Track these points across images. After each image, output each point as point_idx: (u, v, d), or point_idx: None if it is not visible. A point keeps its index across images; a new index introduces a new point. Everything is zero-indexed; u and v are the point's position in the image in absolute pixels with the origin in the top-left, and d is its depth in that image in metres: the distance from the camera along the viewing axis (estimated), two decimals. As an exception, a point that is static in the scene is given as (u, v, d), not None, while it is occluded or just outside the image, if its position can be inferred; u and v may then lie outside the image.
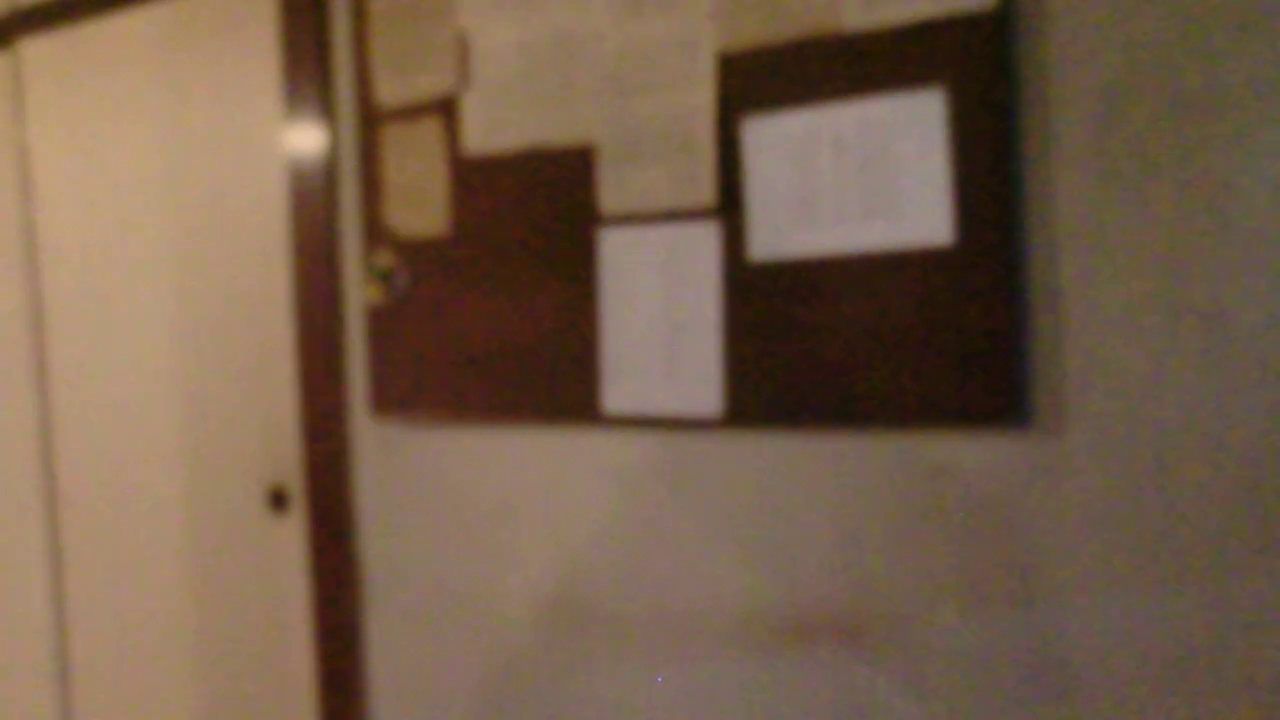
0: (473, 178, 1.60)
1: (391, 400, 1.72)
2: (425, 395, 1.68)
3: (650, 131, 1.43)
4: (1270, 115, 1.09)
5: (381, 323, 1.73)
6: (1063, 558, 1.21)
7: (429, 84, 1.63)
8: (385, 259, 1.71)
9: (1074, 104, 1.18)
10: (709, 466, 1.44)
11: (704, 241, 1.39)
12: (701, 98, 1.38)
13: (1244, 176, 1.10)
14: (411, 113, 1.66)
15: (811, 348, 1.32)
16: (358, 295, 1.79)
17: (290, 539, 1.95)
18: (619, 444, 1.51)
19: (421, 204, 1.66)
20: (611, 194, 1.47)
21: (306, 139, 1.81)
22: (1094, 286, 1.17)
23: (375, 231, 1.72)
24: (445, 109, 1.62)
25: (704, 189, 1.39)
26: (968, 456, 1.26)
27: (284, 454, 1.95)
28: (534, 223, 1.55)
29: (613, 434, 1.52)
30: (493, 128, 1.57)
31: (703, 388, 1.40)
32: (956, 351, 1.23)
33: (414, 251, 1.68)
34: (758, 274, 1.36)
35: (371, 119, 1.71)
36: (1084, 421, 1.19)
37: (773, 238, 1.34)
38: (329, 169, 1.79)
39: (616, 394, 1.48)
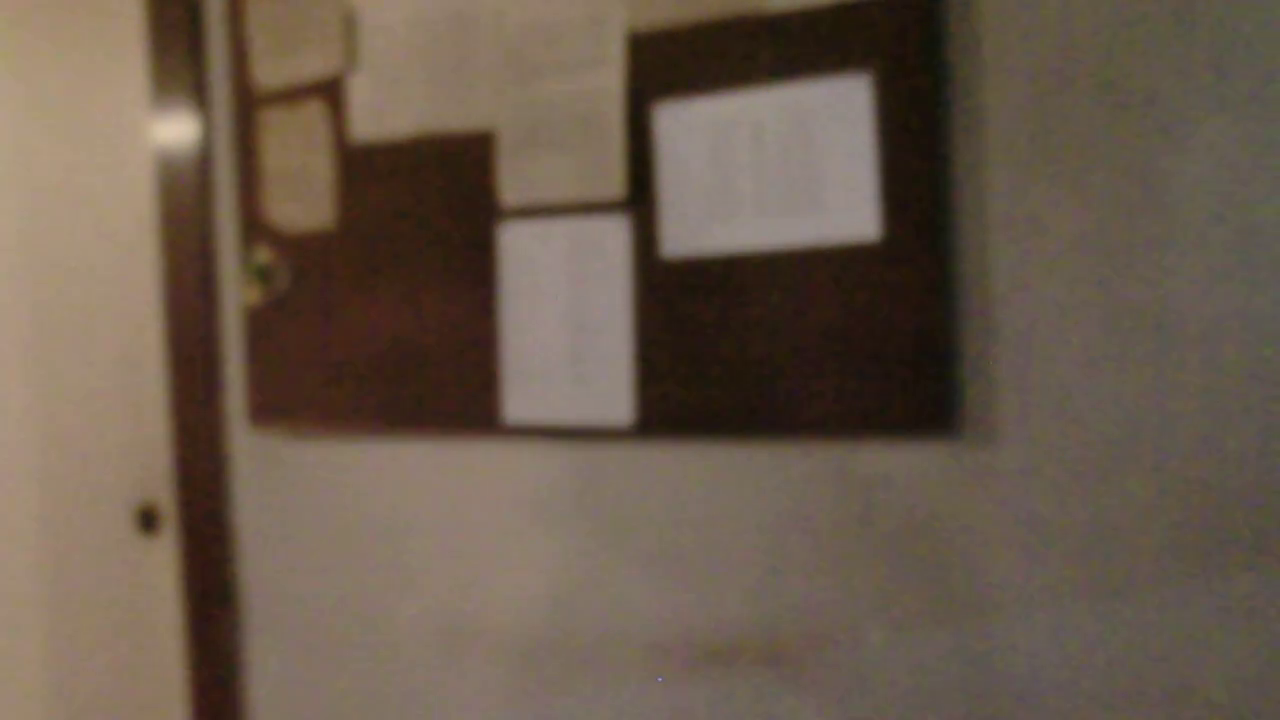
0: (361, 166, 1.47)
1: (273, 410, 1.57)
2: (310, 404, 1.54)
3: (555, 117, 1.32)
4: (1208, 108, 1.03)
5: (261, 325, 1.58)
6: (998, 574, 1.13)
7: (312, 64, 1.48)
8: (264, 255, 1.56)
9: (1007, 90, 1.10)
10: (620, 480, 1.33)
11: (613, 236, 1.29)
12: (610, 80, 1.28)
13: (1184, 170, 1.04)
14: (293, 95, 1.51)
15: (729, 352, 1.23)
16: (235, 295, 1.63)
17: (162, 562, 1.78)
18: (522, 456, 1.40)
19: (304, 195, 1.51)
20: (512, 185, 1.35)
21: (176, 125, 1.65)
22: (1029, 285, 1.10)
23: (253, 226, 1.57)
24: (330, 91, 1.48)
25: (613, 180, 1.28)
26: (896, 467, 1.18)
27: (155, 470, 1.78)
28: (428, 215, 1.42)
29: (515, 445, 1.40)
30: (383, 112, 1.44)
31: (613, 395, 1.30)
32: (883, 355, 1.15)
33: (296, 247, 1.54)
34: (671, 272, 1.26)
35: (249, 102, 1.56)
36: (1018, 430, 1.12)
37: (687, 233, 1.24)
38: (202, 157, 1.63)
39: (519, 402, 1.36)
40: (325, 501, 1.56)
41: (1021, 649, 1.12)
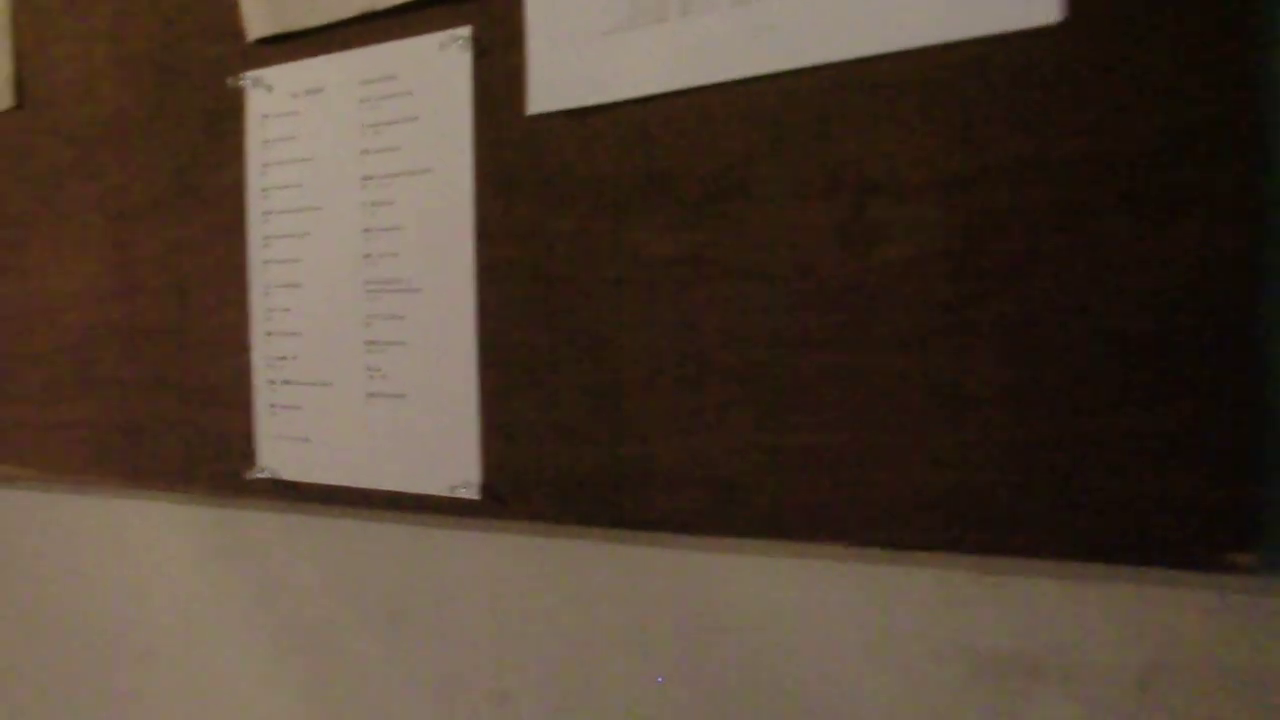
0: (45, -8, 0.80)
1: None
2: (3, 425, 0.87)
3: None
4: None
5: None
6: None
7: None
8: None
9: None
10: (458, 596, 0.63)
11: (441, 76, 0.58)
12: None
13: None
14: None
15: (697, 331, 0.52)
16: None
17: None
18: (276, 541, 0.70)
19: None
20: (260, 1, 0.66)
21: None
22: None
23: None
24: None
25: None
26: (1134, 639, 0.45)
27: None
28: (143, 70, 0.74)
29: (266, 518, 0.71)
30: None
31: (442, 429, 0.59)
32: (1082, 368, 0.43)
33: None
34: (551, 147, 0.55)
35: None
36: None
37: (582, 55, 0.53)
38: None
39: (277, 442, 0.67)
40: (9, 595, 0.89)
41: None
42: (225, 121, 0.69)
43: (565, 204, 0.55)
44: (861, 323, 0.47)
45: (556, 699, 0.60)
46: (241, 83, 0.67)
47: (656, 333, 0.52)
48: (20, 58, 0.82)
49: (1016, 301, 0.43)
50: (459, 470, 0.59)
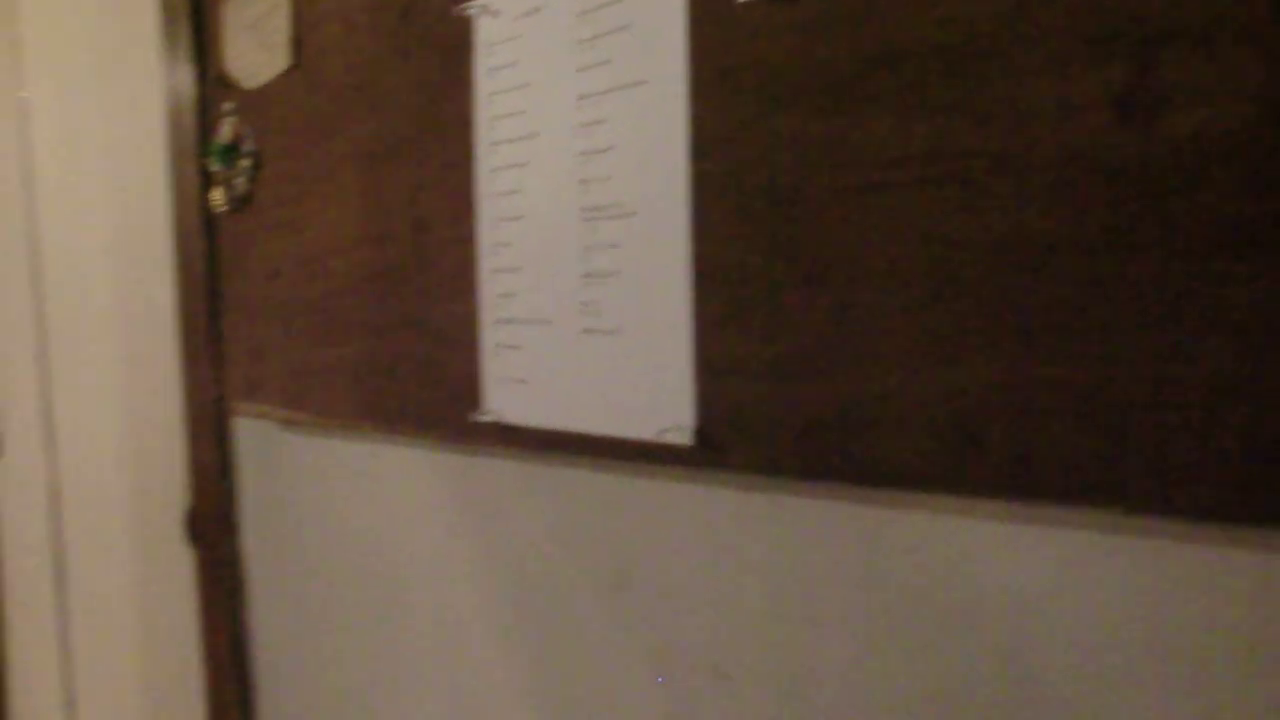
0: (314, -50, 0.82)
1: (262, 382, 0.98)
2: (299, 374, 0.93)
3: None
4: None
5: (232, 250, 1.00)
6: None
7: None
8: (229, 129, 0.97)
9: None
10: (676, 557, 0.57)
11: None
12: None
13: None
14: None
15: (937, 241, 0.43)
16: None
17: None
18: (505, 490, 0.68)
19: (263, 24, 0.90)
20: (488, -90, 0.63)
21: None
22: None
23: (220, 82, 0.98)
24: None
25: None
26: None
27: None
28: (388, 12, 0.74)
29: (495, 464, 0.68)
30: None
31: (653, 367, 0.54)
32: None
33: (258, 111, 0.93)
34: (766, 36, 0.47)
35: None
36: None
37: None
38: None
39: (499, 383, 0.64)
40: (337, 530, 0.94)
41: None
42: (457, 53, 0.67)
43: (783, 103, 0.47)
44: (1148, 220, 0.36)
45: (777, 680, 0.53)
46: (469, 11, 0.65)
47: (890, 246, 0.44)
48: (297, 18, 0.85)
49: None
50: (670, 412, 0.53)
